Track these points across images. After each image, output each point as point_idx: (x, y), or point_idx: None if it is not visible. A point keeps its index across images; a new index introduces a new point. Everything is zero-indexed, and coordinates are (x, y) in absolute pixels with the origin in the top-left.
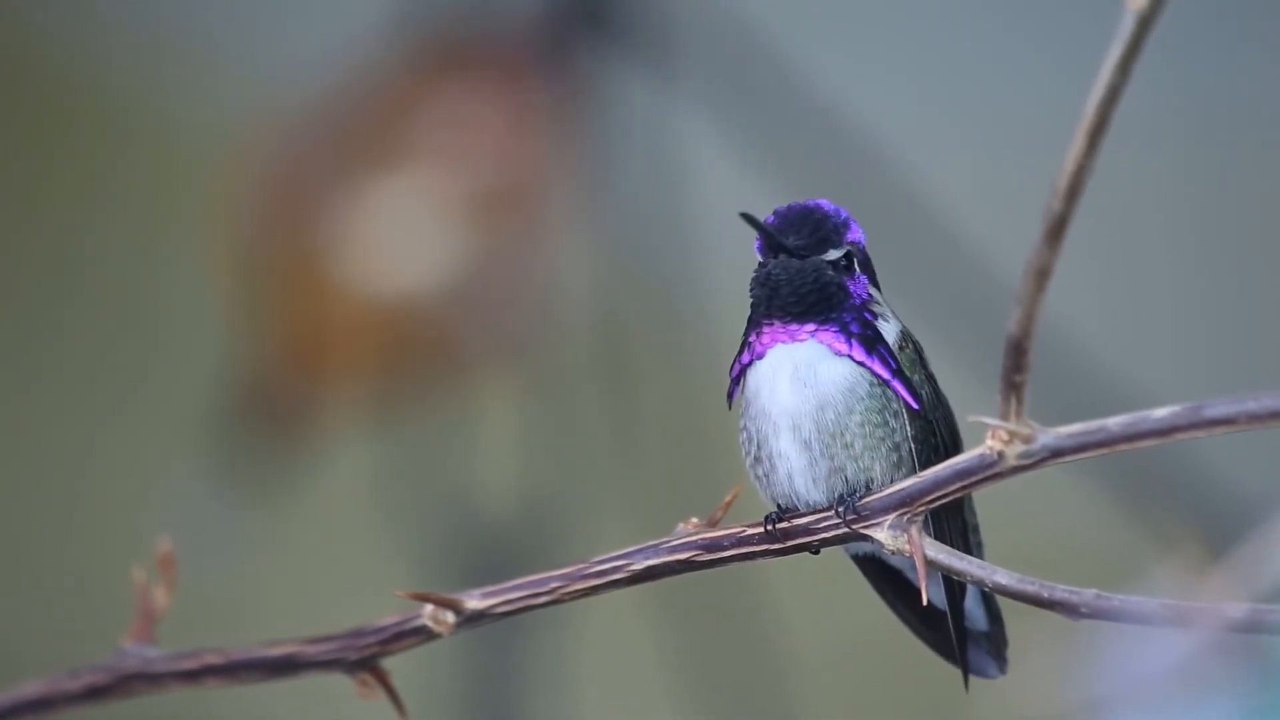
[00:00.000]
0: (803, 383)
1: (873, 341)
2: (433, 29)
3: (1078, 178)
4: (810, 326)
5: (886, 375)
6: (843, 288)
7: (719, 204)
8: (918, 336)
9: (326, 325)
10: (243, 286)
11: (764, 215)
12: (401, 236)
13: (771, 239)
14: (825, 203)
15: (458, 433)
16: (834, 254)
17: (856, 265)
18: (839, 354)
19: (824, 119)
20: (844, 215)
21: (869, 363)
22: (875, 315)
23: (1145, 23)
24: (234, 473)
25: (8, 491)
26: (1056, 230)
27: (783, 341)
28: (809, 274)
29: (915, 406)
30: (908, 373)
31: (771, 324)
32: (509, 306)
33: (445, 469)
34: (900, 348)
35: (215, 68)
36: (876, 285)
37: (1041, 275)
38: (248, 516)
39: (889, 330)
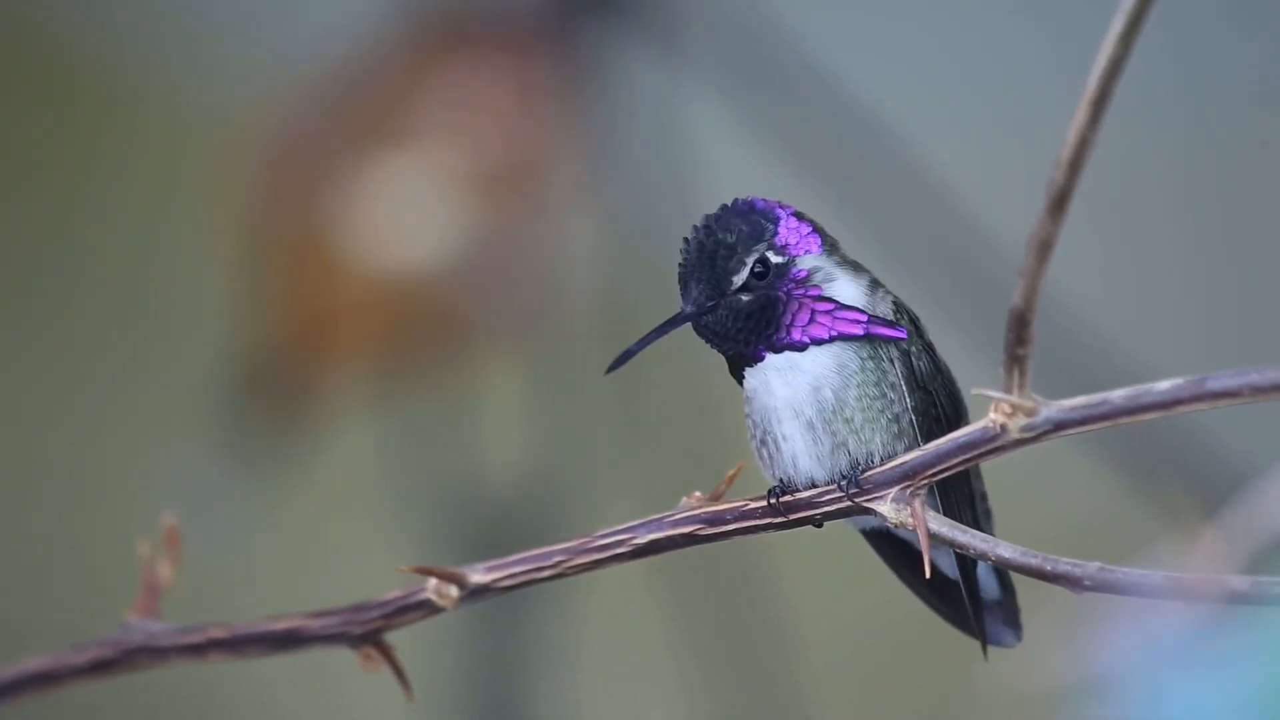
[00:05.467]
0: (791, 373)
1: (835, 315)
2: (438, 6)
3: (1080, 150)
4: (778, 349)
5: (860, 331)
6: (772, 301)
7: (724, 180)
8: (922, 309)
9: (331, 302)
10: (248, 263)
11: (767, 193)
12: (406, 214)
13: (674, 323)
14: (715, 219)
15: (462, 409)
16: (738, 279)
17: (772, 266)
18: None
19: (829, 95)
20: (737, 229)
21: (849, 331)
22: (821, 284)
23: None
24: (238, 449)
25: (12, 467)
26: (1059, 203)
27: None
28: (730, 321)
29: (901, 335)
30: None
31: None
32: (514, 284)
33: (450, 445)
34: (895, 318)
35: (222, 45)
36: (830, 241)
37: (1044, 248)
38: (252, 492)
39: (846, 286)
